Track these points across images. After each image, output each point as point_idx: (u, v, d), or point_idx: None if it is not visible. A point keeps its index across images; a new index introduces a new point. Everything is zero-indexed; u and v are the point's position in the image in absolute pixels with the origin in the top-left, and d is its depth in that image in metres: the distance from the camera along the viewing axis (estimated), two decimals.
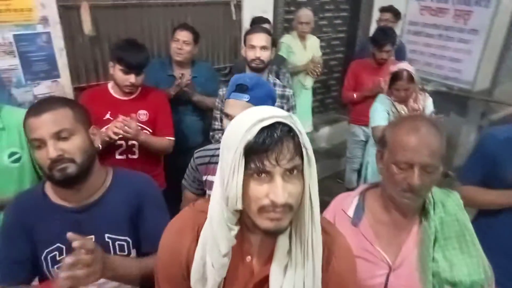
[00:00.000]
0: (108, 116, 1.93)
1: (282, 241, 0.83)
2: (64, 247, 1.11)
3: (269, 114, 0.74)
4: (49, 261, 1.12)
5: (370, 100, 2.82)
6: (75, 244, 0.89)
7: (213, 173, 1.48)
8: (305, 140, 0.76)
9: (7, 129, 1.49)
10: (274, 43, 2.22)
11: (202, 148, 1.63)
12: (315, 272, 0.83)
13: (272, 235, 0.79)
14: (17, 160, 1.51)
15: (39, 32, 2.36)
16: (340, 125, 4.41)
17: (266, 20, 3.13)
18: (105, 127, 1.87)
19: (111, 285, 1.13)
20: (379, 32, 3.08)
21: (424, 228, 1.13)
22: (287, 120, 0.75)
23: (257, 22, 3.07)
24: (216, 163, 1.50)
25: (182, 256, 0.88)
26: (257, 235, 0.87)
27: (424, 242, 1.12)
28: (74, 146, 1.06)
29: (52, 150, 1.02)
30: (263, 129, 0.72)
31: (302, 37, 3.48)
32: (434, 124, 1.10)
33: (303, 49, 3.51)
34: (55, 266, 1.12)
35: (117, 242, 1.16)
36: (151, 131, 2.01)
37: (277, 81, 2.23)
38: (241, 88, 1.37)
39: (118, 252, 1.16)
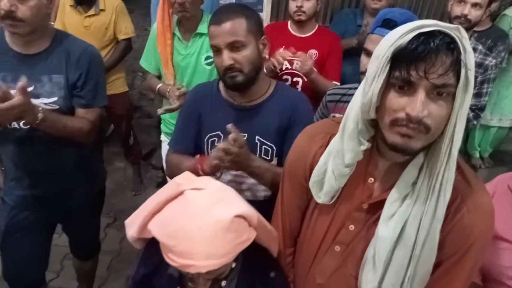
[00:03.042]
0: (281, 50, 2.03)
1: (410, 170, 0.77)
2: (222, 135, 1.29)
3: (432, 22, 0.67)
4: (209, 144, 1.33)
5: None
6: (231, 136, 1.05)
7: (341, 112, 1.44)
8: (469, 60, 0.66)
9: (206, 35, 1.76)
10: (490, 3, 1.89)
11: (336, 86, 1.59)
12: (437, 213, 0.75)
13: (400, 153, 0.74)
14: (210, 63, 1.81)
15: None
16: None
17: None
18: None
19: (249, 180, 1.29)
20: None
21: None
22: (453, 31, 0.66)
23: None
24: (346, 102, 1.46)
25: (309, 157, 0.92)
26: (386, 161, 0.83)
27: None
28: (244, 57, 1.16)
29: (226, 58, 1.16)
30: (420, 35, 0.66)
31: None
32: None
33: None
34: (212, 149, 1.32)
35: (263, 146, 1.28)
36: (316, 71, 2.00)
37: (479, 47, 1.94)
38: (388, 24, 1.22)
39: (262, 155, 1.29)
